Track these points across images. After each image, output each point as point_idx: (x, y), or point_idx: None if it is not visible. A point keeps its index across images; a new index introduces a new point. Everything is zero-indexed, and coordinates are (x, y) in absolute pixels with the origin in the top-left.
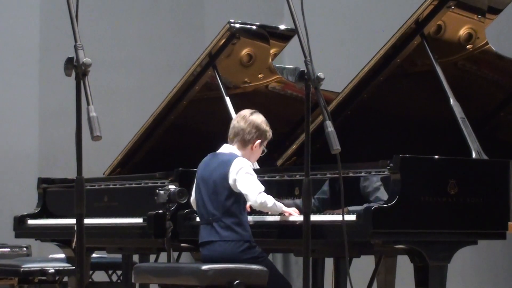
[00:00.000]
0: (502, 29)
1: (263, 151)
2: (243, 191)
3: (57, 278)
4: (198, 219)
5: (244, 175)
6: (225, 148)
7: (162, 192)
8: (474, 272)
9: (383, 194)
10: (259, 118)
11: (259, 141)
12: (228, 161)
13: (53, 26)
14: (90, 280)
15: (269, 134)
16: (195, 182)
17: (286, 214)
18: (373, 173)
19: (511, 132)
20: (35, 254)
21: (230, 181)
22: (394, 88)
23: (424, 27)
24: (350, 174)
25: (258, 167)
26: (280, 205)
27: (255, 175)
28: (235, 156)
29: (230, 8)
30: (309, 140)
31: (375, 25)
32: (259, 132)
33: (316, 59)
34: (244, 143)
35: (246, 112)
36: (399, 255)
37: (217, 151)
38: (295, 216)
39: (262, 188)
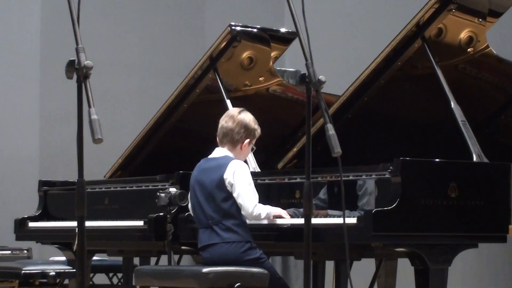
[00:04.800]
0: (503, 32)
1: (252, 149)
2: (238, 201)
3: (57, 280)
4: None
5: (240, 183)
6: (218, 152)
7: (163, 194)
8: (474, 275)
9: (368, 203)
10: (247, 117)
11: (247, 140)
12: (223, 164)
13: (54, 28)
14: (90, 282)
15: (258, 132)
16: (190, 188)
17: (278, 215)
18: (373, 176)
19: (511, 135)
20: (36, 256)
21: (227, 184)
22: (395, 91)
23: (425, 30)
24: (351, 177)
25: (259, 169)
26: (270, 213)
27: (251, 182)
28: (230, 159)
29: (231, 11)
30: (310, 143)
31: (376, 28)
32: (247, 131)
33: (317, 62)
34: (234, 143)
35: (233, 111)
36: (400, 258)
37: (210, 156)
38: (293, 219)
39: (257, 199)
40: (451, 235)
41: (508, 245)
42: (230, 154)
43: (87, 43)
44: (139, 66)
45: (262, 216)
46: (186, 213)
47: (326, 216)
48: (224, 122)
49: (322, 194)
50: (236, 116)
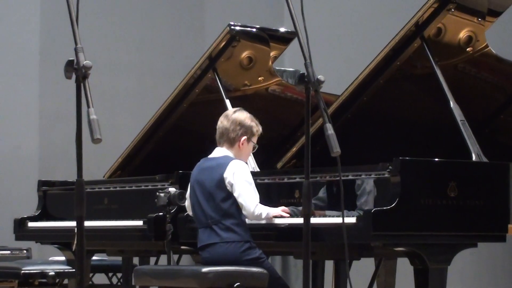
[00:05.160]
0: (502, 32)
1: (254, 147)
2: (239, 200)
3: (57, 280)
4: None
5: (241, 183)
6: (217, 152)
7: (162, 194)
8: (474, 274)
9: (367, 203)
10: (242, 115)
11: (245, 137)
12: (223, 164)
13: (53, 28)
14: (90, 282)
15: (256, 129)
16: (189, 187)
17: (277, 215)
18: (372, 176)
19: (511, 135)
20: (35, 256)
21: (227, 184)
22: (394, 90)
23: (424, 30)
24: (350, 177)
25: (258, 169)
26: (270, 214)
27: (252, 181)
28: (230, 159)
29: (231, 10)
30: (309, 142)
31: (375, 28)
32: (243, 128)
33: (316, 61)
34: (231, 142)
35: (229, 111)
36: (399, 257)
37: (210, 156)
38: (292, 219)
39: (258, 199)
40: (450, 235)
41: (507, 245)
42: (229, 153)
43: (86, 43)
44: (138, 66)
45: (263, 216)
46: (186, 213)
47: (323, 216)
48: (220, 122)
49: (321, 193)
50: (231, 115)
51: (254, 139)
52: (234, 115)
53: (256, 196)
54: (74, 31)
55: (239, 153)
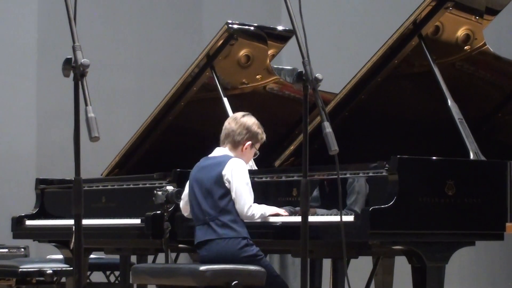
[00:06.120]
0: (500, 30)
1: (255, 154)
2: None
3: (55, 279)
4: None
5: (237, 182)
6: (218, 151)
7: (160, 193)
8: (472, 272)
9: (356, 203)
10: (250, 120)
11: (249, 142)
12: (222, 161)
13: (51, 27)
14: (88, 281)
15: (261, 136)
16: (187, 186)
17: (274, 214)
18: (370, 174)
19: (508, 133)
20: (33, 254)
21: (225, 181)
22: (392, 89)
23: (422, 28)
24: (348, 175)
25: (256, 167)
26: (265, 213)
27: (249, 181)
28: (229, 157)
29: (228, 9)
30: (307, 141)
31: (373, 26)
32: (250, 133)
33: (314, 60)
34: (235, 144)
35: (238, 114)
36: (397, 256)
37: (210, 155)
38: (290, 217)
39: (252, 199)
40: (448, 233)
41: (505, 243)
42: (230, 153)
43: (84, 41)
44: (136, 64)
45: (256, 217)
46: None
47: (314, 214)
48: (227, 123)
49: (319, 192)
50: (239, 118)
51: (257, 146)
52: (243, 119)
53: (251, 197)
54: (72, 29)
55: (240, 156)
